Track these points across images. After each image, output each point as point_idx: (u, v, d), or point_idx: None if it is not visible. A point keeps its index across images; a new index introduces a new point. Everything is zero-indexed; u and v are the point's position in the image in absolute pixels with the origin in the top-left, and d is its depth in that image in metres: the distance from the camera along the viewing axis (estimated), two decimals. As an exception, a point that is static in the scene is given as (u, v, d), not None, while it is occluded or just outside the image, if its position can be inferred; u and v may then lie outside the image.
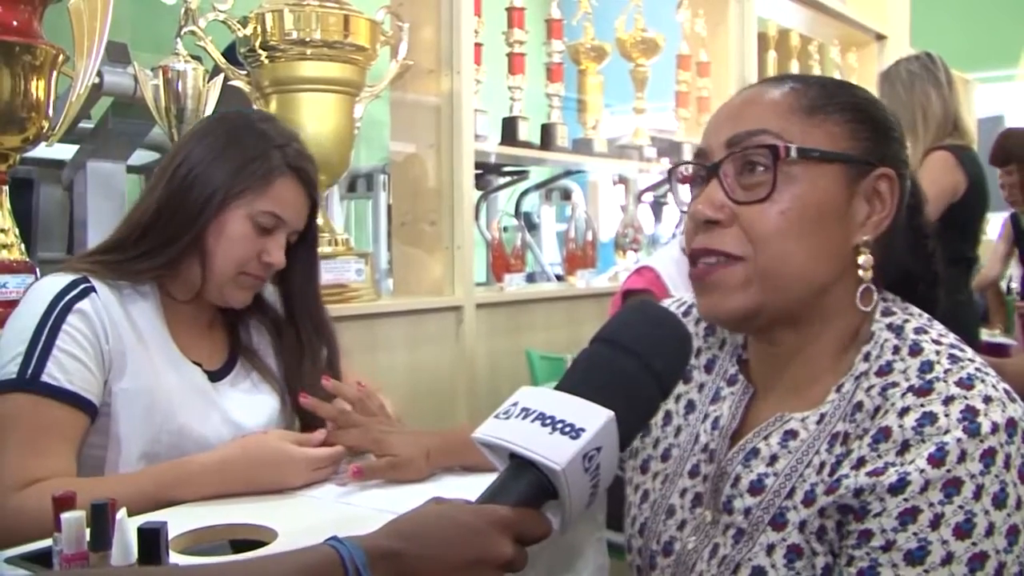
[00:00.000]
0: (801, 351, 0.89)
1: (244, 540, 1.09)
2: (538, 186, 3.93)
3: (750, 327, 0.92)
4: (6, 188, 1.64)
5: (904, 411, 0.78)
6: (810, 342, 0.88)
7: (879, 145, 0.87)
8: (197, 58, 1.88)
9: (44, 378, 1.17)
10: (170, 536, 0.92)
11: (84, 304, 1.22)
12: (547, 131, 2.96)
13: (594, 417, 0.71)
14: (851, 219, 0.86)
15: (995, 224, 3.47)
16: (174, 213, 1.27)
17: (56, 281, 1.24)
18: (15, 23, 1.55)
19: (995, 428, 0.75)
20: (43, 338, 1.19)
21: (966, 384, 0.78)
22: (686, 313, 1.04)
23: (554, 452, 0.69)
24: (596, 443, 0.70)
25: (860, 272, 0.85)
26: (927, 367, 0.81)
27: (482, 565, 0.69)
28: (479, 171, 3.00)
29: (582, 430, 0.70)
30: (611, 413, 0.71)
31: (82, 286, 1.24)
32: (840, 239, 0.85)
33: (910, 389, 0.79)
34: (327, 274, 2.04)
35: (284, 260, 1.32)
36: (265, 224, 1.30)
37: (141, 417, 1.24)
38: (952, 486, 0.74)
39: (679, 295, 1.11)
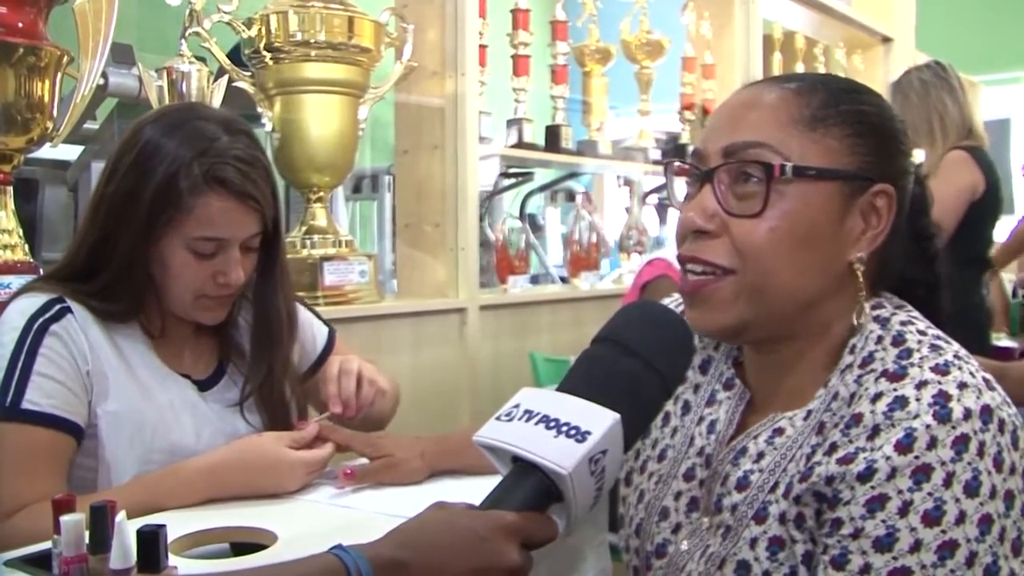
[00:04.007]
0: (795, 362, 0.88)
1: (244, 543, 1.08)
2: (543, 188, 3.92)
3: (738, 340, 0.92)
4: (10, 189, 1.63)
5: (877, 396, 0.78)
6: (804, 354, 0.88)
7: (881, 159, 0.86)
8: (202, 59, 1.88)
9: (25, 404, 1.14)
10: (170, 539, 0.92)
11: (60, 325, 1.18)
12: (552, 133, 2.95)
13: (600, 419, 0.70)
14: (845, 235, 0.84)
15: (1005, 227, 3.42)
16: (109, 259, 1.21)
17: (30, 302, 1.20)
18: (20, 24, 1.55)
19: (968, 414, 0.74)
20: (20, 363, 1.15)
21: (941, 370, 0.77)
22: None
23: (560, 456, 0.68)
24: (602, 446, 0.69)
25: (860, 293, 0.84)
26: (905, 354, 0.80)
27: (489, 572, 0.68)
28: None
29: (588, 433, 0.69)
30: (617, 415, 0.70)
31: (57, 307, 1.19)
32: (832, 255, 0.84)
33: (884, 374, 0.79)
34: (331, 275, 2.04)
35: (242, 277, 1.24)
36: (204, 250, 1.21)
37: (129, 439, 1.21)
38: (921, 472, 0.73)
39: None
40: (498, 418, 0.73)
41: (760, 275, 0.83)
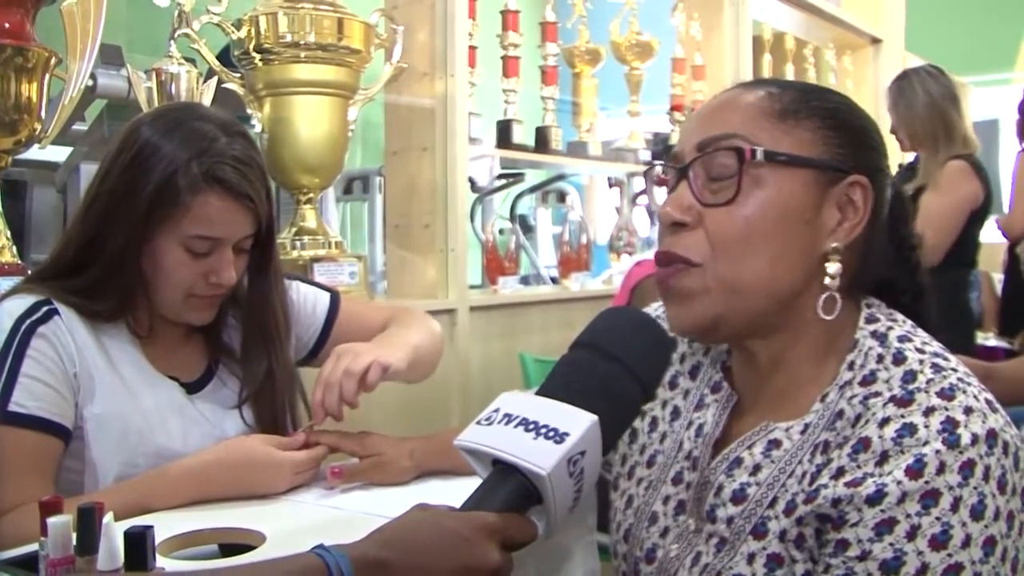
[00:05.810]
0: (779, 360, 0.88)
1: (232, 544, 1.08)
2: (533, 189, 3.93)
3: (715, 338, 0.92)
4: (-2, 190, 1.64)
5: (884, 421, 0.78)
6: (786, 351, 0.88)
7: (853, 152, 0.86)
8: (191, 61, 1.88)
9: (12, 407, 1.14)
10: (157, 540, 0.92)
11: (47, 327, 1.18)
12: (541, 134, 2.96)
13: (578, 421, 0.71)
14: (820, 226, 0.85)
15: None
16: (99, 256, 1.21)
17: (18, 304, 1.20)
18: (7, 25, 1.55)
19: (975, 440, 0.75)
20: (7, 365, 1.15)
21: (947, 395, 0.78)
22: None
23: (539, 457, 0.69)
24: (580, 447, 0.70)
25: (827, 280, 0.84)
26: (910, 377, 0.80)
27: (470, 573, 0.69)
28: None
29: (566, 435, 0.70)
30: (594, 417, 0.71)
31: (45, 308, 1.19)
32: (807, 246, 0.84)
33: (892, 399, 0.79)
34: (320, 277, 2.04)
35: (234, 277, 1.25)
36: (198, 248, 1.21)
37: (115, 441, 1.20)
38: (930, 497, 0.74)
39: None
40: (478, 422, 0.74)
41: (732, 267, 0.84)
